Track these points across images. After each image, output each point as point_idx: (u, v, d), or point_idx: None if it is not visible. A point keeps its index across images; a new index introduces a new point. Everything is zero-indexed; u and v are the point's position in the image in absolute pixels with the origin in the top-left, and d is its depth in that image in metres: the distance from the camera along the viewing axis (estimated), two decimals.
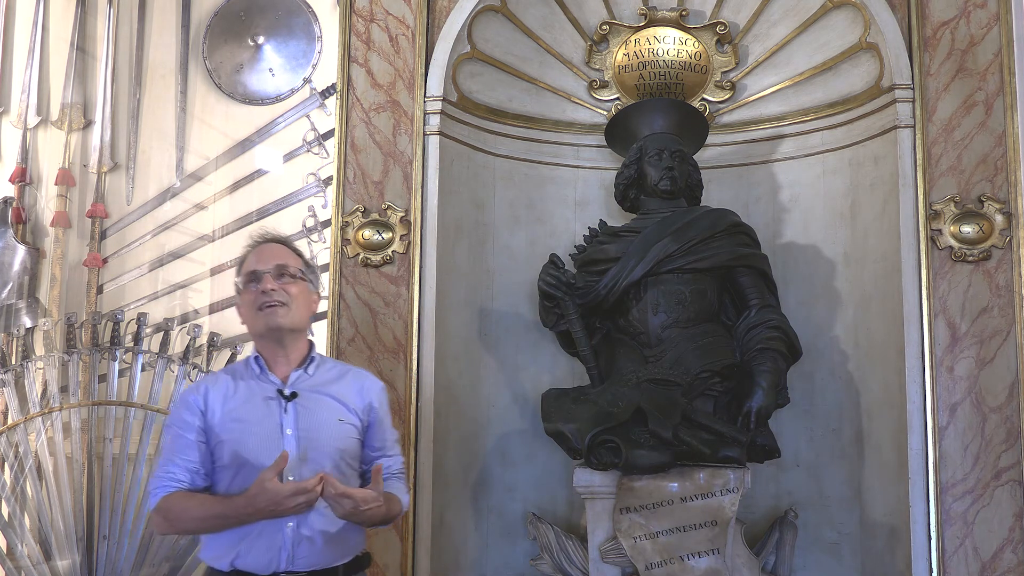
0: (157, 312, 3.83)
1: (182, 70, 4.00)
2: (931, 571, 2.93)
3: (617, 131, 3.40)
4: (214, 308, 3.85)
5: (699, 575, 2.81)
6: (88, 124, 4.00)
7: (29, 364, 3.66)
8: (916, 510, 2.97)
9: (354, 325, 3.20)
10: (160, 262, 3.90)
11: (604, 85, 3.63)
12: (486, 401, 3.44)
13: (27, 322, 3.82)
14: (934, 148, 3.11)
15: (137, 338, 3.69)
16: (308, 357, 2.23)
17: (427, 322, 3.20)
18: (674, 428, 2.84)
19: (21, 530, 3.55)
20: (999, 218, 3.04)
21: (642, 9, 3.60)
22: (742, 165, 3.57)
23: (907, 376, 3.02)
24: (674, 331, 3.07)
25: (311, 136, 3.86)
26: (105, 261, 3.91)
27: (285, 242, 2.32)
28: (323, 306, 2.90)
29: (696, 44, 3.58)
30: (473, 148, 3.47)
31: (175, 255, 3.90)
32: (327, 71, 3.83)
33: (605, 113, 3.61)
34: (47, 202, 3.97)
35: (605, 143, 3.49)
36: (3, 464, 3.67)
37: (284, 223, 3.84)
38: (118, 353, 3.67)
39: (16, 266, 3.86)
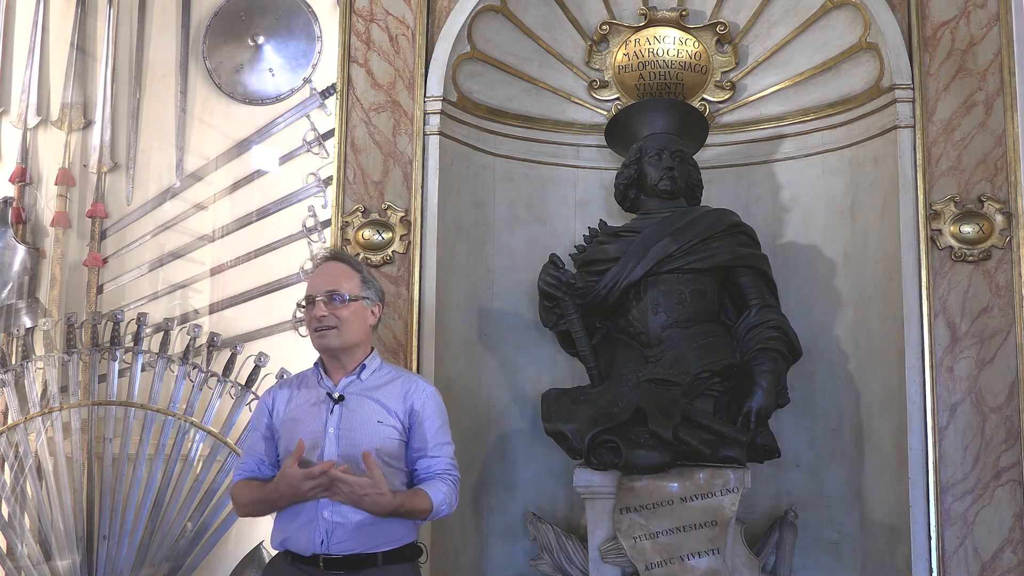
0: (157, 312, 3.84)
1: (182, 70, 4.00)
2: (931, 571, 2.93)
3: (617, 131, 3.40)
4: (214, 308, 3.85)
5: (699, 575, 2.81)
6: (88, 124, 4.01)
7: (29, 364, 3.66)
8: (916, 510, 2.97)
9: None
10: (160, 262, 3.90)
11: (604, 85, 3.63)
12: (486, 401, 3.44)
13: (27, 322, 3.83)
14: (934, 148, 3.11)
15: (137, 338, 3.69)
16: (362, 364, 2.43)
17: (427, 322, 3.21)
18: (674, 428, 2.83)
19: (21, 530, 3.55)
20: (999, 218, 3.04)
21: (642, 9, 3.60)
22: (742, 165, 3.57)
23: (907, 376, 3.02)
24: (674, 331, 3.06)
25: (311, 136, 3.86)
26: (105, 261, 3.92)
27: (344, 259, 2.50)
28: None
29: (696, 44, 3.58)
30: (473, 148, 3.47)
31: (175, 255, 3.90)
32: (327, 71, 3.83)
33: (605, 113, 3.61)
34: (47, 202, 3.97)
35: (605, 143, 3.49)
36: (3, 464, 3.67)
37: (284, 223, 3.85)
38: (118, 353, 3.67)
39: (16, 266, 3.86)
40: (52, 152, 4.00)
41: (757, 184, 3.55)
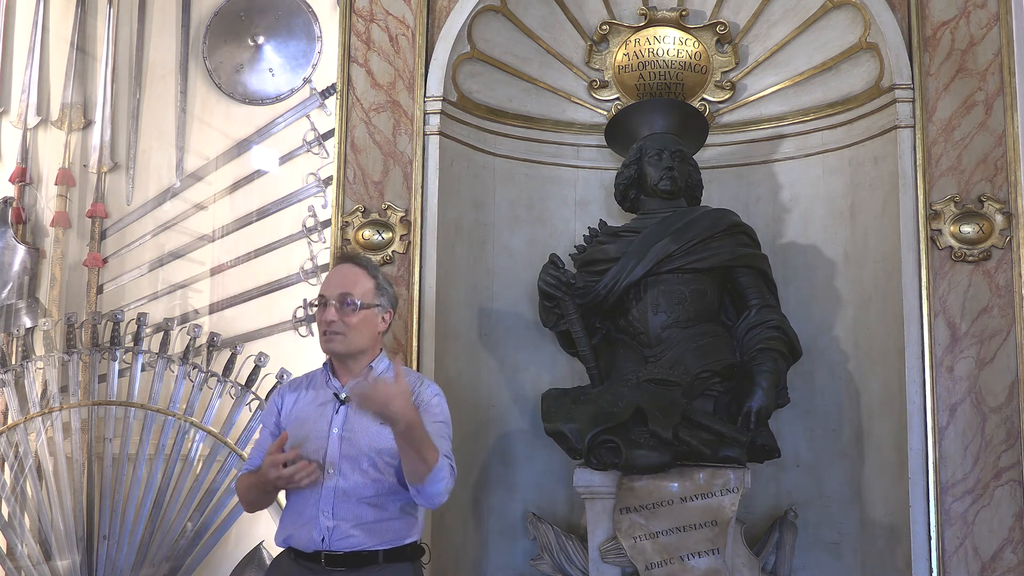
0: (157, 312, 3.83)
1: (182, 70, 4.00)
2: (931, 571, 2.93)
3: (617, 131, 3.40)
4: (214, 308, 3.85)
5: (699, 575, 2.81)
6: (88, 124, 4.01)
7: (29, 364, 3.66)
8: (916, 510, 2.97)
9: None
10: (160, 262, 3.90)
11: (604, 85, 3.63)
12: (486, 401, 3.44)
13: (27, 322, 3.82)
14: (934, 148, 3.11)
15: (137, 338, 3.69)
16: (369, 366, 2.45)
17: (427, 322, 3.21)
18: (674, 428, 2.84)
19: (21, 530, 3.55)
20: (999, 218, 3.04)
21: (642, 9, 3.60)
22: (742, 165, 3.57)
23: (907, 376, 3.02)
24: (674, 331, 3.06)
25: (311, 136, 3.86)
26: (105, 261, 3.91)
27: (361, 263, 2.49)
28: None
29: (696, 44, 3.58)
30: (473, 148, 3.47)
31: (175, 255, 3.90)
32: (327, 71, 3.83)
33: (605, 113, 3.61)
34: (47, 202, 3.97)
35: (605, 143, 3.49)
36: (3, 464, 3.67)
37: (284, 223, 3.85)
38: (118, 353, 3.67)
39: (16, 266, 3.86)
40: (52, 152, 4.00)
41: (757, 184, 3.55)
